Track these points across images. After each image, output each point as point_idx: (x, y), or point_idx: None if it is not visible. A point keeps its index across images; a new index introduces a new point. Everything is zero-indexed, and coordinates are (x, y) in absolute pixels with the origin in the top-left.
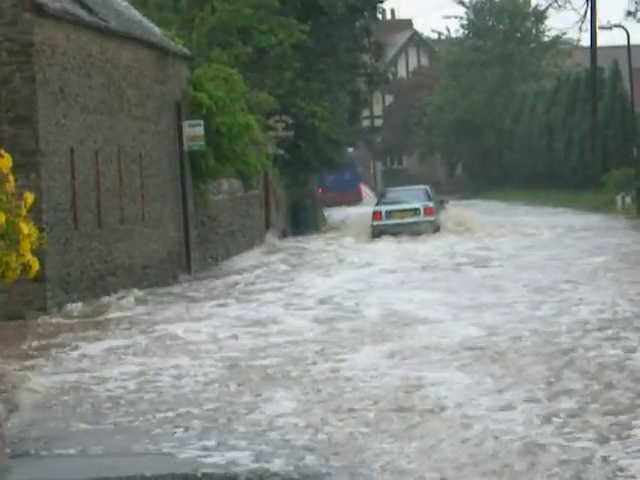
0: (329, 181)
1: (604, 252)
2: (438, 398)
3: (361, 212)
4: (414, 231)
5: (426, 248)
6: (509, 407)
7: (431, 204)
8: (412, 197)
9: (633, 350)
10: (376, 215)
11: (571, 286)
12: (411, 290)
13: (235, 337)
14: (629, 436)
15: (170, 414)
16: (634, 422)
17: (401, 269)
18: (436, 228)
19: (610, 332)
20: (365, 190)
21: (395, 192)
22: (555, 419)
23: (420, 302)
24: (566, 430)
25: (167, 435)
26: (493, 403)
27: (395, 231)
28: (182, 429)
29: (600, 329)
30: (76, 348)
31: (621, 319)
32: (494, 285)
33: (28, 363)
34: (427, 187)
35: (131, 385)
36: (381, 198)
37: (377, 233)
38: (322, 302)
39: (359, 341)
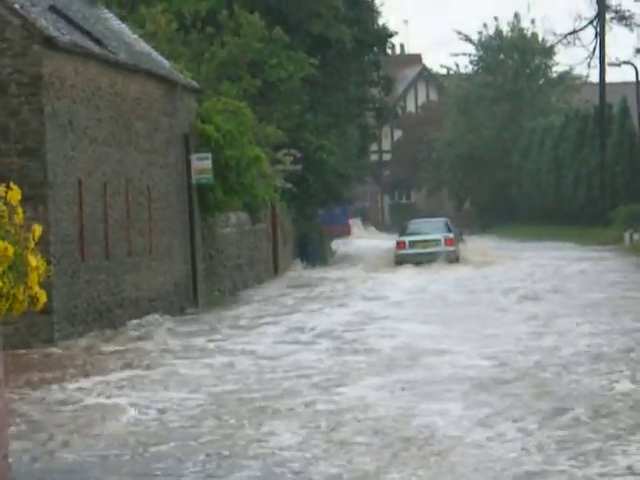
0: (319, 215)
1: (606, 287)
2: (439, 428)
3: (360, 245)
4: (435, 260)
5: (443, 280)
6: (506, 436)
7: (451, 235)
8: (433, 228)
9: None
10: (400, 245)
11: (573, 318)
12: (420, 323)
13: (241, 373)
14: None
15: (168, 445)
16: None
17: (413, 302)
18: (456, 258)
19: (605, 364)
20: (353, 224)
21: (417, 224)
22: (547, 448)
23: (428, 334)
24: (561, 459)
25: (173, 468)
26: (491, 433)
27: (417, 260)
28: (191, 462)
29: (596, 361)
30: (72, 381)
31: (616, 352)
32: (503, 317)
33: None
34: (447, 219)
35: (140, 416)
36: (404, 229)
37: (400, 261)
38: (330, 335)
39: (363, 373)
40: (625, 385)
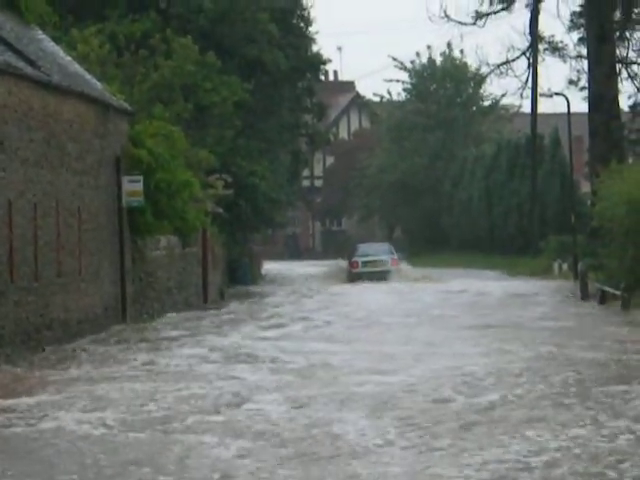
0: None
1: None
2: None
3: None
4: (383, 278)
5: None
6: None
7: (395, 257)
8: (379, 251)
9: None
10: (353, 264)
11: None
12: (338, 343)
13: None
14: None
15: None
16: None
17: (340, 321)
18: (399, 276)
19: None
20: None
21: (365, 247)
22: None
23: (342, 352)
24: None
25: None
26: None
27: (368, 277)
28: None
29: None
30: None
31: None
32: (427, 337)
33: None
34: (389, 244)
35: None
36: (355, 251)
37: (353, 279)
38: (247, 354)
39: (270, 389)
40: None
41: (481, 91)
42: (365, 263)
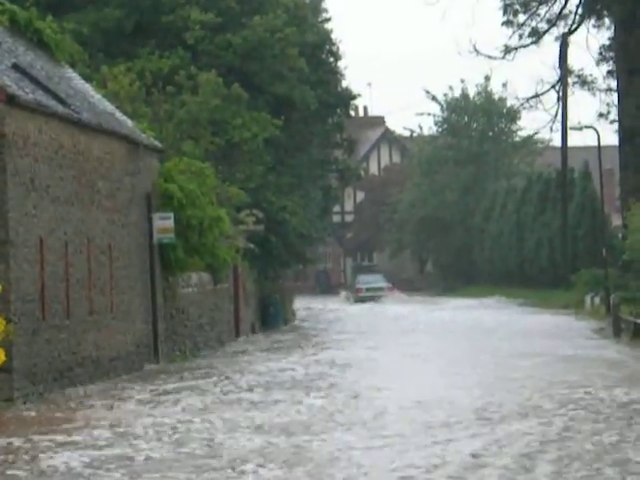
0: None
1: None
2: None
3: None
4: (379, 300)
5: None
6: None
7: (390, 285)
8: (376, 280)
9: None
10: (358, 290)
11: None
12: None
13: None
14: None
15: None
16: None
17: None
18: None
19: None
20: None
21: (364, 276)
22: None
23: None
24: None
25: None
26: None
27: (369, 299)
28: None
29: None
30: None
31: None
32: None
33: None
34: (382, 274)
35: None
36: (357, 279)
37: (358, 300)
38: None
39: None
40: None
41: (515, 126)
42: (368, 289)
